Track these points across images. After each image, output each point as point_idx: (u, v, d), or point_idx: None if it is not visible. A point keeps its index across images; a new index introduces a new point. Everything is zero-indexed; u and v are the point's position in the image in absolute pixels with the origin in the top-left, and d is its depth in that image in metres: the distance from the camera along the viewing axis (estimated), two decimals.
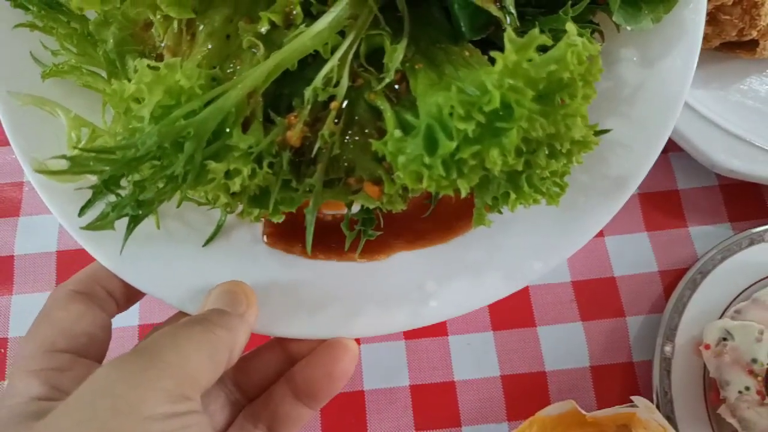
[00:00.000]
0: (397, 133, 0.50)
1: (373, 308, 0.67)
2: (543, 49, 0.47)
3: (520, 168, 0.50)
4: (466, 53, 0.58)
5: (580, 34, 0.48)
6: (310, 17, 0.56)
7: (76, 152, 0.50)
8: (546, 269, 0.66)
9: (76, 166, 0.50)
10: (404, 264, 0.68)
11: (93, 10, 0.63)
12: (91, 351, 0.61)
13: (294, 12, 0.55)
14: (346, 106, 0.57)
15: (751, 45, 1.02)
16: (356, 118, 0.57)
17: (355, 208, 0.66)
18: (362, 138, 0.57)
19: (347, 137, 0.57)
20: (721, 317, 0.93)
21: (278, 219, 0.58)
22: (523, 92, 0.45)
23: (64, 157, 0.49)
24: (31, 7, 0.65)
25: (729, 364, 0.87)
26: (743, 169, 0.97)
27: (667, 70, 0.66)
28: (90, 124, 0.64)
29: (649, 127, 0.65)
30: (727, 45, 1.03)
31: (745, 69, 1.05)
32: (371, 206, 0.59)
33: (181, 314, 0.66)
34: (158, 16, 0.56)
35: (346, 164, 0.57)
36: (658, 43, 0.66)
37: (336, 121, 0.55)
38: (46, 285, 1.04)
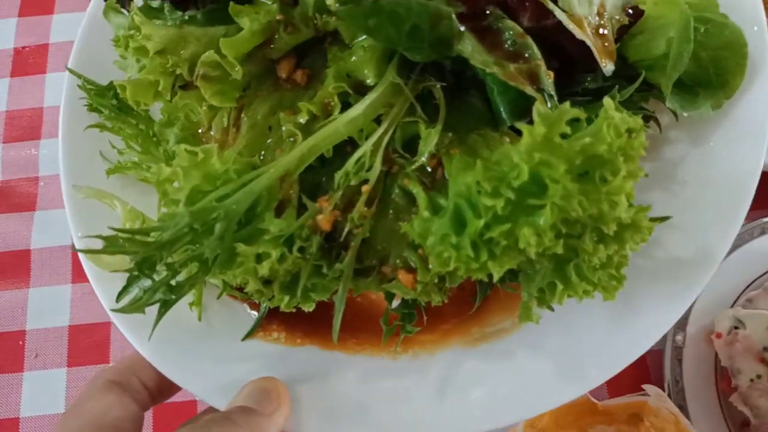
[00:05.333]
0: (426, 214, 0.48)
1: (415, 417, 0.62)
2: None
3: (559, 251, 0.46)
4: (506, 139, 0.56)
5: (619, 110, 0.46)
6: (350, 107, 0.57)
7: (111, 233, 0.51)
8: (605, 378, 0.58)
9: (111, 246, 0.51)
10: (447, 364, 0.63)
11: (160, 113, 0.69)
12: None
13: (332, 102, 0.56)
14: (382, 192, 0.56)
15: None
16: (391, 204, 0.56)
17: (396, 302, 0.63)
18: (397, 225, 0.55)
19: (382, 224, 0.55)
20: (732, 306, 0.92)
21: (309, 307, 0.56)
22: (555, 166, 0.42)
23: (99, 236, 0.50)
24: (104, 110, 0.72)
25: (740, 352, 0.86)
26: None
27: (735, 158, 0.61)
28: (141, 215, 0.67)
29: (718, 216, 0.59)
30: None
31: None
32: (406, 296, 0.56)
33: (212, 408, 0.63)
34: (204, 107, 0.59)
35: (379, 251, 0.55)
36: (722, 127, 0.61)
37: (368, 205, 0.54)
38: (62, 278, 1.05)
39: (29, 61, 1.22)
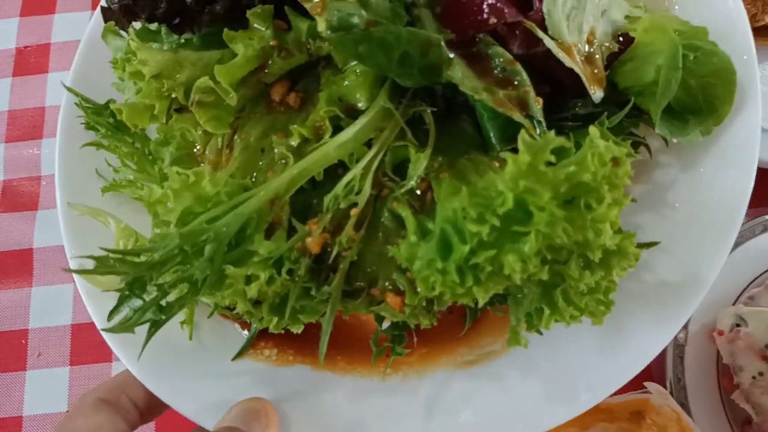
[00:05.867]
0: (413, 238, 0.48)
1: None
2: None
3: (544, 277, 0.46)
4: (496, 164, 0.56)
5: (605, 138, 0.46)
6: (341, 131, 0.58)
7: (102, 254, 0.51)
8: (595, 401, 0.58)
9: (102, 266, 0.51)
10: (437, 385, 0.63)
11: (156, 131, 0.69)
12: None
13: (323, 126, 0.57)
14: (372, 215, 0.56)
15: (765, 31, 0.97)
16: (380, 227, 0.56)
17: (387, 324, 0.63)
18: (386, 248, 0.55)
19: (371, 246, 0.56)
20: (734, 303, 0.91)
21: (297, 329, 0.56)
22: (540, 194, 0.43)
23: (91, 257, 0.51)
24: (101, 129, 0.72)
25: (742, 349, 0.86)
26: None
27: (725, 184, 0.61)
28: (135, 233, 0.67)
29: (708, 240, 0.60)
30: None
31: (759, 55, 0.99)
32: (394, 319, 0.56)
33: (201, 428, 0.63)
34: (199, 132, 0.59)
35: (369, 273, 0.56)
36: (712, 153, 0.62)
37: (356, 228, 0.54)
38: (64, 277, 1.05)
39: (31, 61, 1.22)
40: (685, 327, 0.90)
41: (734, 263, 0.92)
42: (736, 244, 0.95)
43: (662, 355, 0.90)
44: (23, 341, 1.03)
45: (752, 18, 0.98)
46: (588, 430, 0.86)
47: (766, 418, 0.84)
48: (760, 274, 0.93)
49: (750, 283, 0.93)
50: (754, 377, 0.86)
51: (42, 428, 0.99)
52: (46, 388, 1.00)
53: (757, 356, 0.86)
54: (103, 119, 0.72)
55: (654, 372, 0.93)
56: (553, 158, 0.43)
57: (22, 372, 1.01)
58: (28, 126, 1.18)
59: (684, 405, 0.87)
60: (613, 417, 0.87)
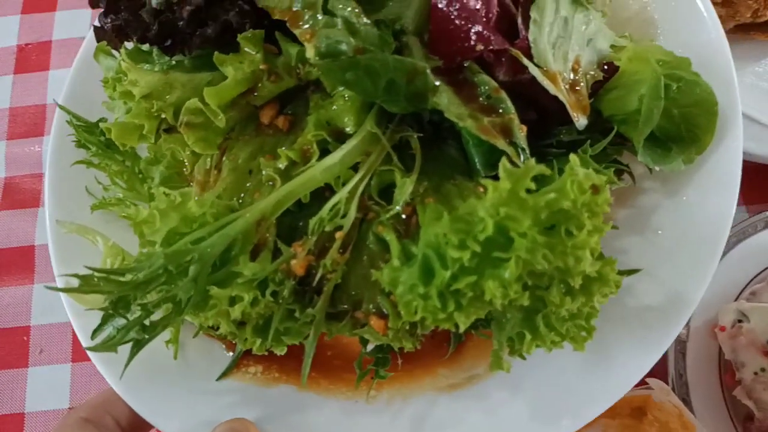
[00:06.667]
0: (397, 262, 0.49)
1: None
2: None
3: (525, 302, 0.47)
4: (480, 189, 0.57)
5: (586, 166, 0.47)
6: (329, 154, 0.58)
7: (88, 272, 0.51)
8: (577, 427, 0.58)
9: (86, 285, 0.51)
10: (422, 407, 0.63)
11: (147, 150, 0.70)
12: None
13: (311, 149, 0.58)
14: (357, 238, 0.57)
15: (766, 27, 0.99)
16: (365, 251, 0.57)
17: (371, 345, 0.63)
18: (370, 271, 0.55)
19: (356, 269, 0.56)
20: (736, 299, 0.92)
21: (281, 351, 0.56)
22: (521, 221, 0.43)
23: (75, 275, 0.51)
24: (91, 147, 0.73)
25: (744, 345, 0.86)
26: (758, 151, 0.94)
27: (708, 211, 0.62)
28: (122, 252, 0.67)
29: (691, 264, 0.61)
30: (741, 27, 1.01)
31: (760, 51, 1.02)
32: (378, 342, 0.56)
33: None
34: (187, 152, 0.60)
35: (353, 296, 0.56)
36: (695, 181, 0.63)
37: (341, 251, 0.54)
38: None
39: (32, 58, 1.23)
40: (687, 323, 0.87)
41: (736, 259, 0.94)
42: (738, 241, 0.97)
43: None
44: (25, 338, 1.03)
45: (754, 13, 1.00)
46: (590, 427, 0.85)
47: (767, 414, 0.84)
48: (762, 270, 0.94)
49: (752, 279, 0.94)
50: (756, 373, 0.86)
51: (44, 425, 0.98)
52: (48, 385, 1.00)
53: (759, 352, 0.86)
54: (94, 137, 0.72)
55: (656, 368, 0.93)
56: (533, 186, 0.44)
57: (24, 369, 1.01)
58: (30, 123, 1.18)
59: (686, 401, 0.87)
60: (615, 413, 0.87)
